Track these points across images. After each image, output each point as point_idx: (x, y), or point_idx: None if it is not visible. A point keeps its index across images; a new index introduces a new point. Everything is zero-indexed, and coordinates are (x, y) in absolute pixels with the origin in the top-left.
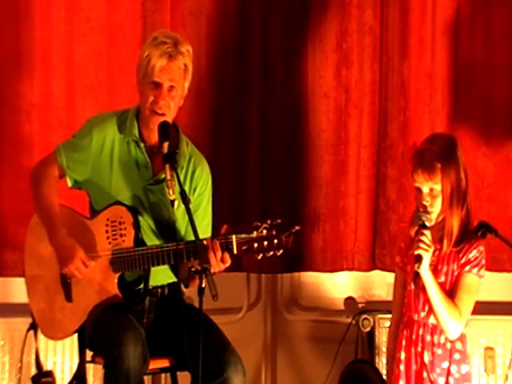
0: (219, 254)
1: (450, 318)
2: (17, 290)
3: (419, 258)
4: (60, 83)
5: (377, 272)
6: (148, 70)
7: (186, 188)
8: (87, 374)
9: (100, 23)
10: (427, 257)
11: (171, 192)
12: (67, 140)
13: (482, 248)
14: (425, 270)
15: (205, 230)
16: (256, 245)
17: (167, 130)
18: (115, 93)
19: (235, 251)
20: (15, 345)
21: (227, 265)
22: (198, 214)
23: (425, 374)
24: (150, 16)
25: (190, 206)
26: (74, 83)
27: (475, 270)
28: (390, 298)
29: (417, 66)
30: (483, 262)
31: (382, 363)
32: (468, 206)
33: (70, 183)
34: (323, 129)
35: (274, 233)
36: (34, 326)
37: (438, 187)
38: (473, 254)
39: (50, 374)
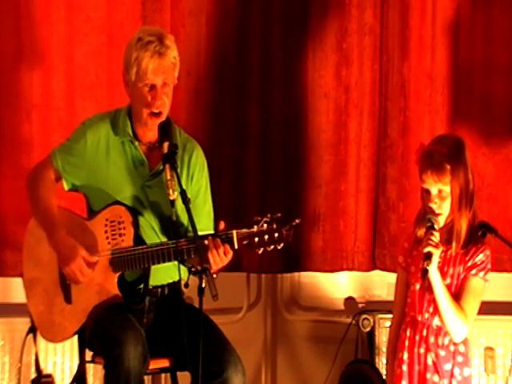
0: (221, 249)
1: (456, 320)
2: (17, 290)
3: (428, 256)
4: (60, 83)
5: (377, 272)
6: (140, 72)
7: (184, 177)
8: (87, 374)
9: (100, 23)
10: (436, 255)
11: (171, 192)
12: (62, 143)
13: (488, 252)
14: (433, 270)
15: (207, 216)
16: (257, 239)
17: (167, 130)
18: (115, 93)
19: (236, 246)
20: (15, 345)
21: (229, 256)
22: (198, 201)
23: (428, 375)
24: (150, 16)
25: (190, 194)
26: (74, 83)
27: (481, 274)
28: (390, 297)
29: (417, 66)
30: (489, 266)
31: (381, 363)
32: (475, 208)
33: (66, 187)
34: (323, 129)
35: (274, 226)
36: (33, 329)
37: (447, 189)
38: (479, 257)
39: (49, 377)
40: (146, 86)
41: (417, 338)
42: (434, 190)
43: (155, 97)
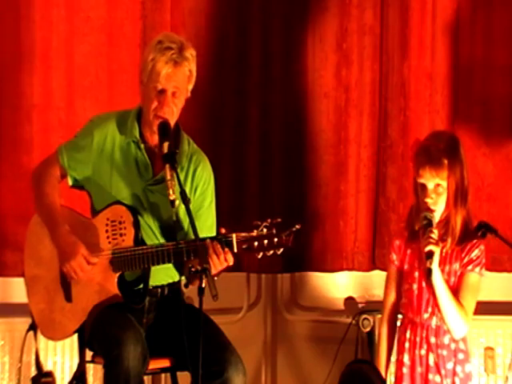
0: (221, 254)
1: (458, 318)
2: (17, 289)
3: (430, 255)
4: (60, 83)
5: (377, 272)
6: (153, 75)
7: (188, 187)
8: (87, 373)
9: (100, 23)
10: (437, 253)
11: (171, 192)
12: (69, 140)
13: (482, 247)
14: (435, 268)
15: (209, 230)
16: (256, 243)
17: (167, 130)
18: (115, 93)
19: (235, 250)
20: (15, 345)
21: (230, 263)
22: (201, 214)
23: (430, 376)
24: (150, 16)
25: (192, 205)
26: (74, 83)
27: (477, 269)
28: None
29: (417, 66)
30: (484, 260)
31: None
32: (469, 205)
33: (70, 182)
34: (323, 129)
35: (274, 231)
36: (33, 327)
37: (443, 184)
38: (475, 253)
39: (50, 374)
40: (155, 88)
41: (417, 339)
42: (430, 185)
43: (163, 102)
